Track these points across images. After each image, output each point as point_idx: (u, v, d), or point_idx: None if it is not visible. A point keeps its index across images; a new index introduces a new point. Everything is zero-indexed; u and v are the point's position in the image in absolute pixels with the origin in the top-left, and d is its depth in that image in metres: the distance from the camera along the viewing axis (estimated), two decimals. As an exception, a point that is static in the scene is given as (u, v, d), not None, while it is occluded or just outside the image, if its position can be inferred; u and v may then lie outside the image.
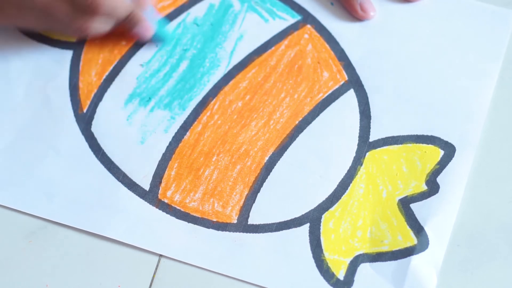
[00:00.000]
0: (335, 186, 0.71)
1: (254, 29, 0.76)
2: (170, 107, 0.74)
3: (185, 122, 0.73)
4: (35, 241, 0.69)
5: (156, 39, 0.75)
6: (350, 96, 0.74)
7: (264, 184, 0.71)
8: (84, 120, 0.73)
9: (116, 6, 0.71)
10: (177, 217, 0.70)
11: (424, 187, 0.70)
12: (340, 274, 0.68)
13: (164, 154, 0.72)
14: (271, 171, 0.71)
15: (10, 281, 0.68)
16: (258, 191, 0.71)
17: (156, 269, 0.69)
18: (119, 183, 0.71)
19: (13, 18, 0.72)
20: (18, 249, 0.69)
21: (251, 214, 0.70)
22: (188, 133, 0.73)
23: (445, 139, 0.72)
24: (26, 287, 0.68)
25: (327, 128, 0.73)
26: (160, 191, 0.71)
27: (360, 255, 0.68)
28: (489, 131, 0.72)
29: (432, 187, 0.70)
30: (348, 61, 0.75)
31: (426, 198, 0.70)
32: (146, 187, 0.71)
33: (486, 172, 0.71)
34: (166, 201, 0.71)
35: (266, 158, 0.72)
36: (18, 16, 0.71)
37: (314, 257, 0.69)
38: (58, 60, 0.76)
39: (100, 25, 0.72)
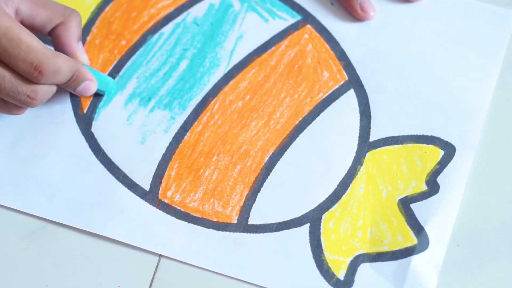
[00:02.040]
0: (335, 186, 0.71)
1: (254, 29, 0.76)
2: (170, 107, 0.74)
3: (185, 122, 0.73)
4: (35, 241, 0.69)
5: (100, 92, 0.74)
6: (350, 96, 0.74)
7: (264, 184, 0.71)
8: (84, 121, 0.73)
9: (61, 68, 0.68)
10: (177, 217, 0.70)
11: (424, 187, 0.70)
12: (340, 274, 0.68)
13: (164, 155, 0.72)
14: (271, 171, 0.71)
15: (10, 281, 0.68)
16: (258, 191, 0.71)
17: (156, 269, 0.69)
18: (119, 183, 0.71)
19: None
20: (18, 249, 0.69)
21: (251, 214, 0.70)
22: (188, 133, 0.73)
23: (445, 139, 0.72)
24: (26, 287, 0.68)
25: (327, 128, 0.73)
26: (160, 191, 0.71)
27: (360, 255, 0.68)
28: (489, 131, 0.72)
29: (432, 187, 0.70)
30: (348, 61, 0.75)
31: (426, 198, 0.70)
32: (146, 187, 0.71)
33: (486, 172, 0.71)
34: (166, 201, 0.71)
35: (266, 158, 0.72)
36: None
37: (314, 257, 0.68)
38: (58, 60, 0.76)
39: (46, 91, 0.69)
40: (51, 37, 0.71)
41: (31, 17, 0.70)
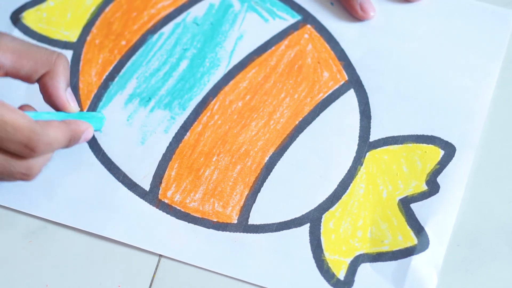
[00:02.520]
0: (335, 186, 0.71)
1: (254, 29, 0.76)
2: (170, 107, 0.74)
3: (185, 122, 0.73)
4: (35, 241, 0.69)
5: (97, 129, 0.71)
6: (350, 96, 0.74)
7: (265, 184, 0.71)
8: (84, 120, 0.73)
9: (53, 140, 0.64)
10: (177, 217, 0.70)
11: (424, 187, 0.70)
12: (341, 274, 0.68)
13: (164, 155, 0.72)
14: (271, 171, 0.71)
15: (10, 281, 0.68)
16: (259, 191, 0.71)
17: (156, 269, 0.68)
18: (119, 183, 0.71)
19: None
20: (18, 249, 0.69)
21: (251, 214, 0.70)
22: (188, 133, 0.73)
23: (445, 139, 0.72)
24: (26, 287, 0.68)
25: (327, 128, 0.73)
26: (160, 191, 0.71)
27: (360, 255, 0.68)
28: (489, 131, 0.72)
29: (433, 187, 0.70)
30: (348, 61, 0.75)
31: (426, 198, 0.70)
32: (146, 187, 0.71)
33: (486, 172, 0.71)
34: (166, 201, 0.71)
35: (266, 158, 0.72)
36: None
37: (314, 257, 0.68)
38: (58, 60, 0.76)
39: (42, 162, 0.65)
40: (39, 86, 0.67)
41: (14, 69, 0.65)
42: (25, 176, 0.64)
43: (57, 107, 0.67)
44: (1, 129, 0.61)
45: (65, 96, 0.67)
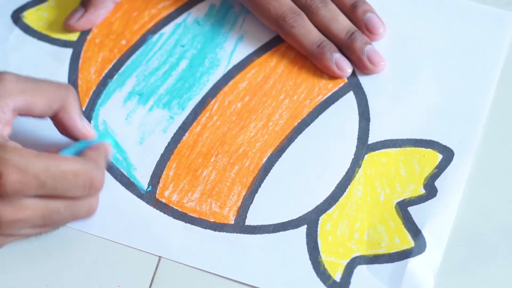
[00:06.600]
0: (333, 188, 0.71)
1: (254, 30, 0.76)
2: (169, 107, 0.74)
3: (184, 122, 0.73)
4: (35, 241, 0.70)
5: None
6: (350, 98, 0.74)
7: (262, 185, 0.71)
8: (83, 120, 0.73)
9: (104, 166, 0.66)
10: (175, 217, 0.70)
11: (422, 191, 0.70)
12: (337, 276, 0.68)
13: (162, 155, 0.72)
14: (269, 172, 0.71)
15: (10, 281, 0.68)
16: (256, 192, 0.71)
17: (156, 269, 0.69)
18: (117, 183, 0.71)
19: None
20: (18, 249, 0.69)
21: (248, 215, 0.70)
22: (187, 134, 0.73)
23: (444, 143, 0.71)
24: (26, 287, 0.68)
25: (326, 130, 0.73)
26: (158, 191, 0.71)
27: (357, 257, 0.69)
28: (488, 134, 0.72)
29: (430, 190, 0.70)
30: (348, 63, 0.75)
31: (424, 201, 0.70)
32: (144, 187, 0.71)
33: (486, 171, 0.71)
34: (163, 201, 0.71)
35: (264, 159, 0.72)
36: None
37: (311, 259, 0.69)
38: (58, 58, 0.76)
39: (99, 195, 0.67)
40: (53, 120, 0.67)
41: (28, 109, 0.65)
42: (89, 214, 0.66)
43: (76, 138, 0.67)
44: (63, 180, 0.62)
45: (83, 126, 0.67)
